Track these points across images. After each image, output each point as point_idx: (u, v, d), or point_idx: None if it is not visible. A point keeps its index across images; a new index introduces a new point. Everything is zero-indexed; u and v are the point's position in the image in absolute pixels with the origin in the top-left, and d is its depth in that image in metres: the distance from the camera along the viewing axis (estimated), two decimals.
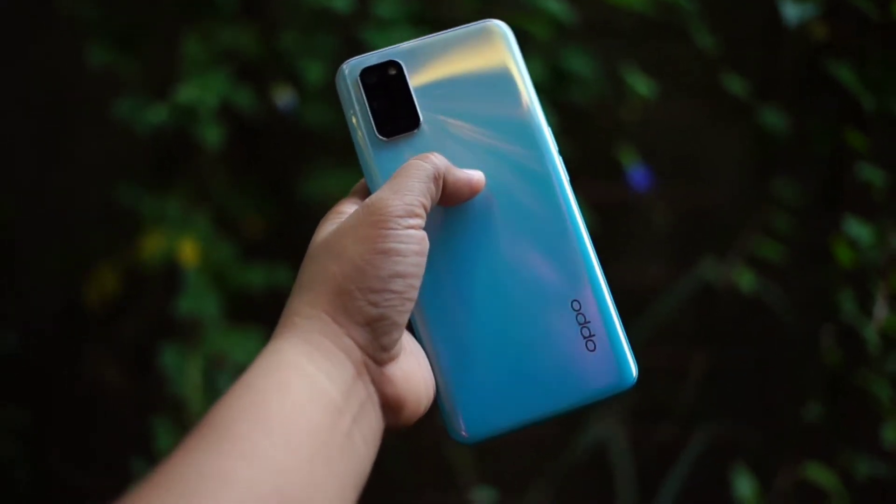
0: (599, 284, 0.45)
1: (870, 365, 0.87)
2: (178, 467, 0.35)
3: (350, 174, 0.97)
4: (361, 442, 0.40)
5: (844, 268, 0.87)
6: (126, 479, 0.94)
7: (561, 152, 0.47)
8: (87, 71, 0.98)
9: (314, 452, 0.37)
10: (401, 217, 0.41)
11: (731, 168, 1.09)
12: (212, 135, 0.92)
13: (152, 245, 0.96)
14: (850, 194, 0.99)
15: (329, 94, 0.97)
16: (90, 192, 1.15)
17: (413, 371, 0.42)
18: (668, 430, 1.08)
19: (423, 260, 0.41)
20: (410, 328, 0.44)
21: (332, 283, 0.40)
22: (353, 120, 0.46)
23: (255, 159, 1.09)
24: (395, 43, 0.47)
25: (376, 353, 0.40)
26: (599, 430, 1.05)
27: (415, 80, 0.46)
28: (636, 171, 0.99)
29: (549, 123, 0.47)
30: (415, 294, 0.41)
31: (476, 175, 0.44)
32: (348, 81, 0.46)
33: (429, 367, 0.44)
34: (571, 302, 0.45)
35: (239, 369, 0.95)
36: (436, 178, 0.43)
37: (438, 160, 0.43)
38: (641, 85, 0.93)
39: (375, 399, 0.41)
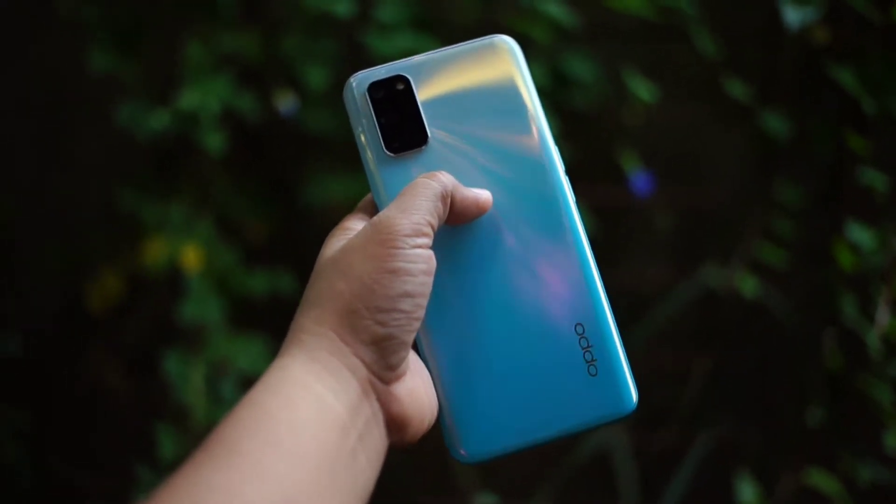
0: (603, 309, 0.45)
1: (872, 370, 0.87)
2: (186, 482, 0.35)
3: (353, 180, 0.97)
4: (365, 460, 0.40)
5: (846, 272, 0.87)
6: (127, 481, 0.94)
7: (563, 156, 0.47)
8: (87, 71, 0.99)
9: (320, 471, 0.37)
10: (409, 236, 0.41)
11: (732, 170, 1.09)
12: (214, 141, 0.92)
13: (155, 250, 0.96)
14: (852, 197, 0.99)
15: (331, 99, 0.97)
16: (90, 193, 1.15)
17: (418, 389, 0.42)
18: (671, 434, 1.08)
19: (431, 279, 0.41)
20: (415, 346, 0.44)
21: (340, 302, 0.40)
22: (361, 136, 0.46)
23: (257, 164, 1.10)
24: (396, 47, 0.47)
25: (382, 372, 0.41)
26: (602, 435, 1.05)
27: (423, 96, 0.46)
28: (638, 175, 0.99)
29: (555, 137, 0.47)
30: (422, 313, 0.41)
31: (483, 195, 0.44)
32: (356, 95, 0.46)
33: (432, 385, 0.44)
34: (575, 326, 0.45)
35: (242, 376, 0.95)
36: (444, 197, 0.43)
37: (446, 179, 0.43)
38: (643, 89, 0.93)
39: (380, 417, 0.41)
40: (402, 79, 0.46)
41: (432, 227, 0.42)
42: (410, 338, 0.41)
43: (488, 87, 0.46)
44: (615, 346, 0.45)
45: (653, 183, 1.00)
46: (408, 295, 0.40)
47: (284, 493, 0.35)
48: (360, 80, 0.46)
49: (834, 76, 0.89)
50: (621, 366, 0.45)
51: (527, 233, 0.45)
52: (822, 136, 0.97)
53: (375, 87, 0.46)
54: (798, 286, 1.03)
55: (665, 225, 1.07)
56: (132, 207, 0.98)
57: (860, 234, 0.86)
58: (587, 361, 0.45)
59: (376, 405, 0.41)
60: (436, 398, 0.44)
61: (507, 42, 0.47)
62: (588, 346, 0.45)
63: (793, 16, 0.86)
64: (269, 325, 0.93)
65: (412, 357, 0.43)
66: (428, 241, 0.41)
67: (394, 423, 0.41)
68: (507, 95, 0.46)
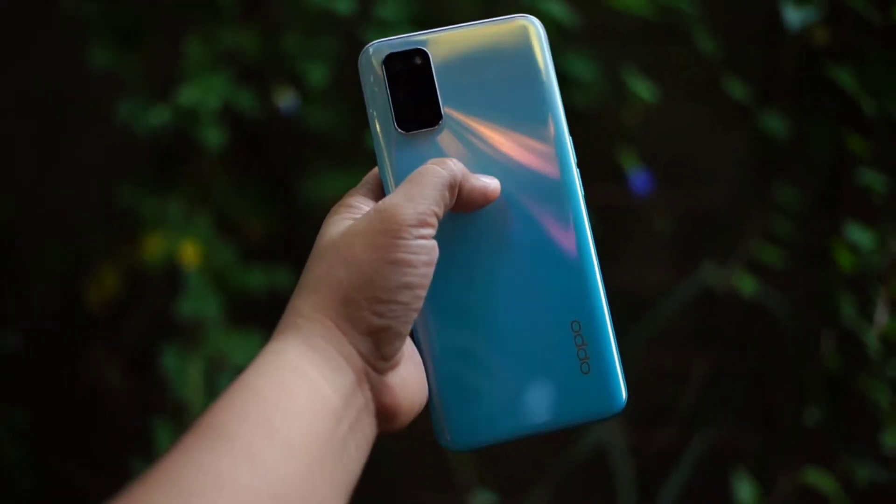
0: (602, 308, 0.44)
1: (870, 370, 0.87)
2: (174, 466, 0.34)
3: (352, 176, 0.97)
4: (355, 449, 0.39)
5: (845, 272, 0.87)
6: (127, 479, 0.93)
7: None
8: (87, 71, 0.99)
9: (311, 458, 0.37)
10: (413, 227, 0.40)
11: (731, 171, 1.09)
12: (213, 137, 0.92)
13: (153, 246, 0.96)
14: (851, 198, 0.99)
15: (331, 96, 0.97)
16: (90, 192, 1.15)
17: (410, 378, 0.42)
18: (669, 433, 1.08)
19: (432, 270, 0.41)
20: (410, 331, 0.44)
21: (338, 289, 0.40)
22: (373, 109, 0.44)
23: (256, 161, 1.10)
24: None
25: (377, 362, 0.40)
26: (600, 434, 1.05)
27: (440, 72, 0.44)
28: (637, 175, 0.99)
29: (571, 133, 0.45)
30: (420, 304, 0.41)
31: (492, 184, 0.43)
32: (372, 65, 0.44)
33: (423, 372, 0.44)
34: (572, 322, 0.44)
35: (239, 372, 0.95)
36: (451, 187, 0.42)
37: (456, 167, 0.42)
38: (642, 89, 0.93)
39: (372, 407, 0.40)
40: (420, 52, 0.44)
41: (438, 217, 0.41)
42: (407, 328, 0.41)
43: (508, 69, 0.44)
44: (610, 346, 0.44)
45: (652, 183, 1.00)
46: (408, 286, 0.40)
47: (274, 478, 0.35)
48: (377, 50, 0.44)
49: (833, 77, 0.89)
50: (614, 365, 0.44)
51: (532, 225, 0.44)
52: (822, 136, 0.97)
53: (392, 59, 0.44)
54: (797, 287, 1.03)
55: (664, 225, 1.07)
56: (131, 204, 0.98)
57: (859, 235, 0.86)
58: (580, 359, 0.44)
59: (369, 394, 0.40)
60: (426, 385, 0.43)
61: (534, 23, 0.45)
62: (583, 344, 0.44)
63: (793, 16, 0.86)
64: (267, 321, 0.93)
65: (406, 343, 0.43)
66: (432, 231, 0.41)
67: (385, 413, 0.41)
68: (526, 80, 0.44)
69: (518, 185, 0.44)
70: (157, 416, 0.93)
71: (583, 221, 0.44)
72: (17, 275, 1.21)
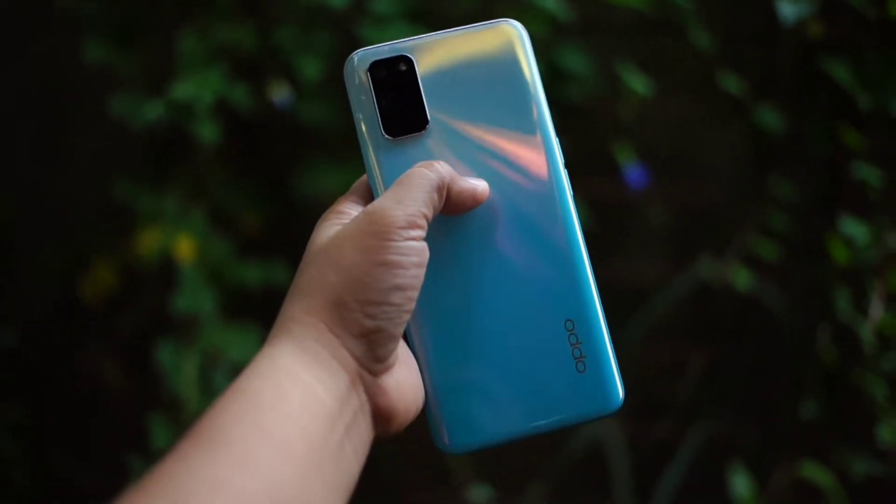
0: (595, 306, 0.44)
1: (866, 364, 0.87)
2: (171, 472, 0.34)
3: (347, 171, 0.97)
4: (352, 452, 0.39)
5: (840, 266, 0.87)
6: (124, 475, 0.94)
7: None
8: (86, 70, 0.98)
9: (307, 462, 0.37)
10: (402, 228, 0.40)
11: (727, 165, 1.09)
12: (208, 131, 0.91)
13: (148, 241, 0.96)
14: (847, 193, 0.99)
15: (326, 90, 0.97)
16: (88, 190, 1.15)
17: (405, 380, 0.42)
18: (665, 427, 1.08)
19: (423, 272, 0.41)
20: (404, 334, 0.44)
21: (330, 293, 0.40)
22: (360, 116, 0.45)
23: (251, 156, 1.09)
24: (391, 40, 0.46)
25: (371, 365, 0.40)
26: (596, 428, 1.05)
27: (425, 78, 0.45)
28: (632, 169, 0.99)
29: (557, 133, 0.46)
30: (412, 306, 0.41)
31: (480, 186, 0.43)
32: (357, 73, 0.45)
33: (419, 375, 0.44)
34: (565, 321, 0.44)
35: (235, 366, 0.95)
36: (440, 189, 0.42)
37: (444, 169, 0.42)
38: (638, 83, 0.93)
39: (367, 409, 0.41)
40: (404, 59, 0.45)
41: (427, 219, 0.41)
42: (400, 330, 0.41)
43: (492, 73, 0.45)
44: (604, 344, 0.44)
45: (648, 177, 1.00)
46: (399, 288, 0.40)
47: (271, 483, 0.35)
48: (362, 58, 0.45)
49: (829, 71, 0.89)
50: (609, 364, 0.44)
51: (522, 225, 0.44)
52: (817, 131, 0.97)
53: (377, 67, 0.45)
54: (793, 281, 1.03)
55: (660, 219, 1.07)
56: (127, 198, 0.98)
57: (854, 229, 0.87)
58: (575, 358, 0.44)
59: (364, 397, 0.40)
60: (422, 388, 0.43)
61: (516, 27, 0.46)
62: (577, 343, 0.44)
63: (788, 10, 0.86)
64: (263, 315, 0.93)
65: (401, 346, 0.43)
66: (422, 233, 0.41)
67: (380, 415, 0.41)
68: (511, 83, 0.45)
69: (507, 187, 0.44)
70: (153, 412, 0.93)
71: (572, 221, 0.45)
72: (14, 271, 1.21)
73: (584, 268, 0.44)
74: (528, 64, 0.45)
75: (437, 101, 0.45)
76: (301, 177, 0.99)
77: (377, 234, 0.40)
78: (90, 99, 1.08)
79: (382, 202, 0.41)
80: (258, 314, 0.96)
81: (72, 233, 1.17)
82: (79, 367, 1.18)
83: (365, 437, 0.41)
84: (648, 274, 1.07)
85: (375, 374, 0.40)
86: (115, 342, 1.16)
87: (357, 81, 0.45)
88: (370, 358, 0.40)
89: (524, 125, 0.45)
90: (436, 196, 0.42)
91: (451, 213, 0.44)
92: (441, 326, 0.44)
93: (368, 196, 0.45)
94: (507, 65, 0.45)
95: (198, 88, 0.89)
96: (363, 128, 0.45)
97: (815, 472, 0.91)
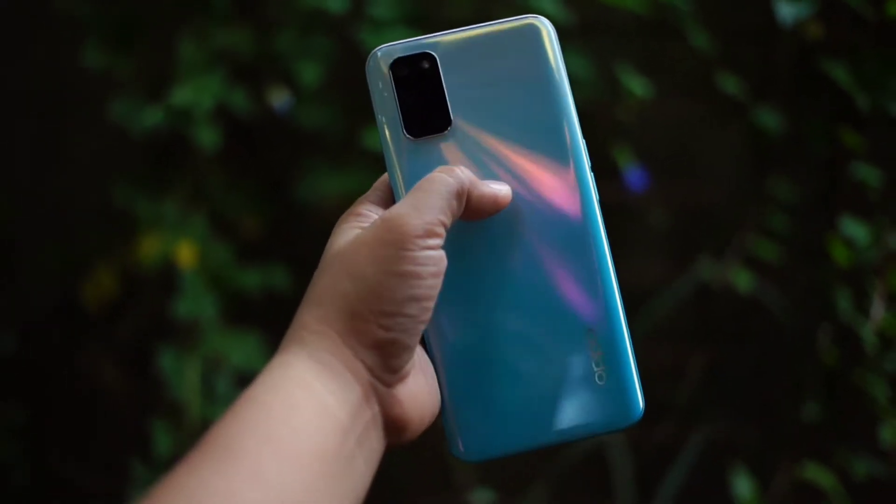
0: (618, 316, 0.43)
1: (867, 364, 0.87)
2: (182, 483, 0.34)
3: (347, 176, 0.97)
4: (363, 463, 0.39)
5: (841, 267, 0.87)
6: (125, 478, 0.94)
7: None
8: (85, 70, 0.98)
9: (318, 474, 0.36)
10: (420, 237, 0.39)
11: (727, 167, 1.09)
12: (207, 137, 0.92)
13: (149, 247, 0.96)
14: (847, 193, 0.99)
15: (325, 95, 0.97)
16: (87, 192, 1.15)
17: (420, 389, 0.41)
18: (667, 429, 1.08)
19: (440, 281, 0.40)
20: (421, 340, 0.43)
21: (344, 303, 0.39)
22: (381, 114, 0.43)
23: (251, 161, 1.09)
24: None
25: (384, 375, 0.39)
26: None
27: (449, 77, 0.43)
28: (632, 171, 0.99)
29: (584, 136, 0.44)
30: (429, 315, 0.40)
31: (503, 191, 0.42)
32: (379, 70, 0.43)
33: (436, 382, 0.43)
34: (587, 331, 0.43)
35: (237, 372, 0.95)
36: (459, 195, 0.41)
37: (464, 175, 0.41)
38: (637, 85, 0.93)
39: (380, 420, 0.40)
40: (428, 57, 0.43)
41: (445, 227, 0.40)
42: (415, 341, 0.40)
43: (519, 73, 0.43)
44: (626, 355, 0.43)
45: (647, 179, 1.00)
46: (415, 299, 0.39)
47: (282, 496, 0.35)
48: (385, 54, 0.43)
49: (827, 72, 0.89)
50: (631, 375, 0.43)
51: (545, 231, 0.43)
52: (816, 132, 0.97)
53: (399, 64, 0.43)
54: (793, 282, 1.03)
55: (660, 221, 1.07)
56: (127, 204, 0.98)
57: (855, 230, 0.86)
58: (596, 368, 0.43)
59: (377, 408, 0.40)
60: (437, 395, 0.43)
61: (545, 25, 0.44)
62: (598, 353, 0.43)
63: (786, 12, 0.86)
64: (264, 321, 0.93)
65: (418, 352, 0.42)
66: (440, 241, 0.40)
67: (393, 425, 0.40)
68: (538, 84, 0.43)
69: (530, 191, 0.43)
70: (155, 418, 0.93)
71: (598, 227, 0.44)
72: (14, 274, 1.21)
73: (609, 277, 0.43)
74: (556, 63, 0.44)
75: (460, 100, 0.43)
76: (300, 181, 0.99)
77: (394, 244, 0.39)
78: (89, 100, 1.08)
79: (400, 209, 0.40)
80: (259, 319, 0.96)
81: (71, 234, 1.17)
82: (79, 369, 1.18)
83: (377, 448, 0.40)
84: (649, 275, 1.07)
85: (389, 384, 0.40)
86: (114, 345, 1.16)
87: (379, 78, 0.43)
88: (384, 369, 0.39)
89: (551, 127, 0.43)
90: (455, 203, 0.41)
91: (471, 218, 0.42)
92: (460, 333, 0.43)
93: (389, 196, 0.44)
94: (533, 63, 0.43)
95: (197, 93, 0.89)
96: (385, 127, 0.43)
97: (816, 474, 0.91)
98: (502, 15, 0.92)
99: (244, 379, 0.93)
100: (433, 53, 0.43)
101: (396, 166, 0.43)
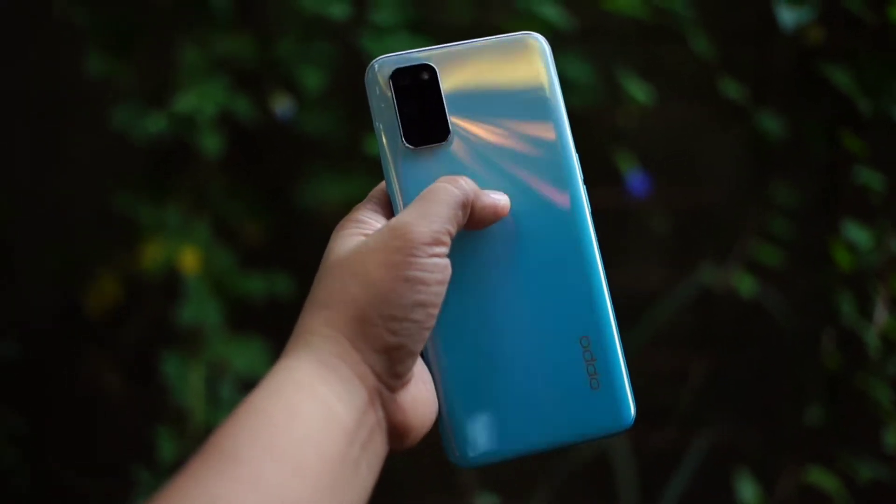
0: (610, 323, 0.44)
1: (870, 368, 0.87)
2: (183, 491, 0.34)
3: (349, 182, 0.97)
4: (366, 469, 0.39)
5: (843, 271, 0.87)
6: (127, 484, 0.94)
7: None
8: (85, 73, 0.99)
9: (322, 482, 0.36)
10: (428, 245, 0.40)
11: (728, 171, 1.09)
12: (210, 143, 0.92)
13: (152, 253, 0.96)
14: (848, 197, 0.99)
15: (327, 101, 0.97)
16: (88, 195, 1.15)
17: (421, 395, 0.42)
18: (669, 434, 1.08)
19: (445, 289, 0.40)
20: None
21: (353, 306, 0.39)
22: (380, 123, 0.44)
23: (253, 167, 1.10)
24: (392, 50, 0.46)
25: (390, 381, 0.40)
26: None
27: (447, 88, 0.44)
28: (634, 176, 0.99)
29: (578, 150, 0.45)
30: (433, 323, 0.40)
31: (502, 201, 0.43)
32: (378, 80, 0.44)
33: (433, 389, 0.43)
34: (581, 338, 0.44)
35: (240, 378, 0.95)
36: (464, 205, 0.41)
37: (468, 185, 0.42)
38: (638, 90, 0.93)
39: (384, 426, 0.40)
40: (427, 68, 0.44)
41: (451, 236, 0.41)
42: (420, 347, 0.40)
43: (515, 87, 0.45)
44: (619, 362, 0.44)
45: (649, 184, 1.00)
46: (421, 305, 0.39)
47: (282, 503, 0.35)
48: (385, 65, 0.44)
49: (828, 77, 0.89)
50: (623, 381, 0.44)
51: (539, 241, 0.44)
52: (817, 136, 0.97)
53: (399, 74, 0.44)
54: (795, 286, 1.03)
55: (662, 226, 1.07)
56: (129, 210, 0.98)
57: (857, 234, 0.87)
58: (590, 375, 0.44)
59: (381, 413, 0.40)
60: (435, 402, 0.43)
61: (539, 41, 0.45)
62: (592, 360, 0.44)
63: (787, 16, 0.86)
64: (267, 327, 0.93)
65: (417, 362, 0.42)
66: (446, 249, 0.41)
67: (396, 431, 0.41)
68: (533, 97, 0.45)
69: (525, 202, 0.44)
70: (159, 424, 0.93)
71: (590, 237, 0.45)
72: (16, 279, 1.21)
73: (602, 285, 0.45)
74: (551, 79, 0.45)
75: (458, 112, 0.44)
76: (303, 187, 1.00)
77: (403, 250, 0.39)
78: (89, 103, 1.09)
79: (408, 217, 0.41)
80: (262, 325, 0.96)
81: (72, 239, 1.17)
82: (80, 374, 1.18)
83: (380, 454, 0.40)
84: (650, 280, 1.07)
85: (393, 390, 0.40)
86: (116, 351, 1.17)
87: (378, 88, 0.44)
88: (390, 374, 0.40)
89: (545, 140, 0.45)
90: (460, 213, 0.41)
91: (472, 228, 0.43)
92: (457, 340, 0.44)
93: (386, 204, 0.45)
94: (529, 79, 0.45)
95: (200, 100, 0.90)
96: (383, 136, 0.44)
97: (820, 478, 0.91)
98: (503, 21, 0.92)
99: (248, 385, 0.93)
100: (433, 65, 0.44)
101: (394, 175, 0.44)
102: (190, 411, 0.92)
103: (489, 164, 0.44)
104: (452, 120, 0.44)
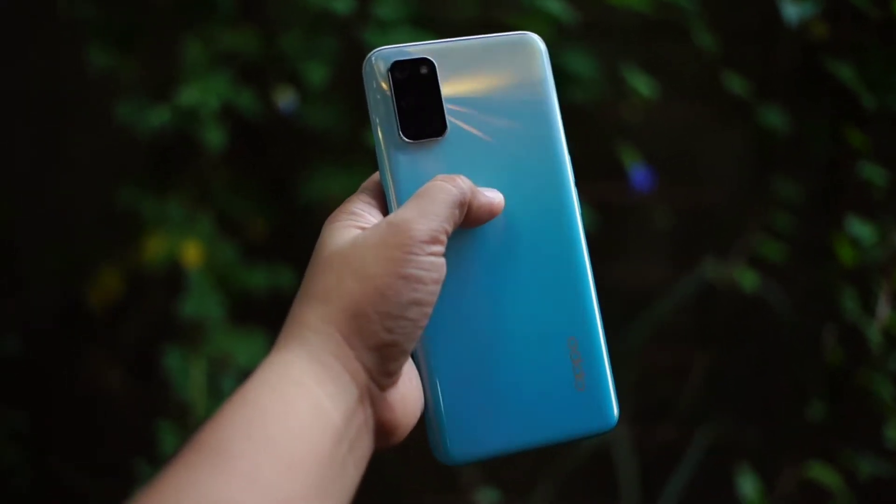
0: (597, 325, 0.45)
1: (872, 364, 0.87)
2: (175, 485, 0.34)
3: (352, 175, 0.97)
4: (353, 467, 0.39)
5: (846, 267, 0.87)
6: (129, 481, 0.94)
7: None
8: (87, 71, 0.99)
9: (312, 479, 0.36)
10: (426, 243, 0.39)
11: (731, 167, 1.09)
12: (214, 137, 0.92)
13: (155, 247, 0.96)
14: (851, 193, 0.99)
15: (331, 95, 0.97)
16: (90, 192, 1.15)
17: (409, 394, 0.42)
18: (671, 430, 1.08)
19: (440, 287, 0.40)
20: None
21: (350, 302, 0.39)
22: (376, 115, 0.44)
23: (256, 161, 1.10)
24: (396, 44, 0.46)
25: (381, 379, 0.40)
26: None
27: (445, 83, 0.44)
28: (637, 172, 0.99)
29: (570, 151, 0.46)
30: (426, 321, 0.40)
31: (497, 199, 0.43)
32: (376, 72, 0.44)
33: (419, 387, 0.43)
34: (568, 339, 0.44)
35: (242, 372, 0.95)
36: (461, 205, 0.41)
37: (465, 184, 0.42)
38: (642, 85, 0.93)
39: (371, 424, 0.40)
40: (426, 62, 0.44)
41: (447, 235, 0.41)
42: (412, 346, 0.40)
43: (511, 85, 0.45)
44: (604, 363, 0.45)
45: (652, 179, 1.00)
46: (417, 303, 0.39)
47: (275, 499, 0.34)
48: (383, 57, 0.44)
49: (832, 72, 0.89)
50: (607, 383, 0.45)
51: (530, 241, 0.44)
52: (820, 131, 0.97)
53: (398, 67, 0.44)
54: (797, 282, 1.03)
55: (664, 221, 1.07)
56: (132, 204, 0.98)
57: (860, 229, 0.87)
58: (576, 375, 0.44)
59: (369, 411, 0.40)
60: (421, 400, 0.43)
61: (537, 41, 0.46)
62: (579, 361, 0.44)
63: (791, 12, 0.86)
64: (269, 320, 0.93)
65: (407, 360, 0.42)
66: (442, 248, 0.40)
67: (383, 429, 0.40)
68: (529, 97, 0.45)
69: (517, 201, 0.44)
70: (161, 418, 0.93)
71: (580, 238, 0.45)
72: (17, 276, 1.21)
73: (589, 287, 0.45)
74: (546, 78, 0.45)
75: (455, 107, 0.44)
76: (306, 181, 1.00)
77: (400, 246, 0.39)
78: (91, 100, 1.09)
79: (406, 214, 0.40)
80: (265, 319, 0.96)
81: (74, 236, 1.17)
82: (82, 372, 1.18)
83: (366, 452, 0.40)
84: (652, 276, 1.07)
85: (383, 388, 0.40)
86: (118, 348, 1.17)
87: (376, 80, 0.44)
88: (381, 372, 0.39)
89: (538, 140, 0.45)
90: (457, 212, 0.41)
91: (467, 227, 0.43)
92: (445, 337, 0.44)
93: (379, 196, 0.44)
94: (526, 78, 0.45)
95: (203, 94, 0.90)
96: (379, 128, 0.44)
97: (822, 473, 0.91)
98: (507, 16, 0.92)
99: None
100: (431, 59, 0.44)
101: (389, 168, 0.44)
102: (192, 405, 0.92)
103: (483, 161, 0.44)
104: (450, 114, 0.44)
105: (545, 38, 0.46)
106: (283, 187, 1.07)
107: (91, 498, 1.15)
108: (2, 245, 1.19)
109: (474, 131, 0.44)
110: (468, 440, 0.44)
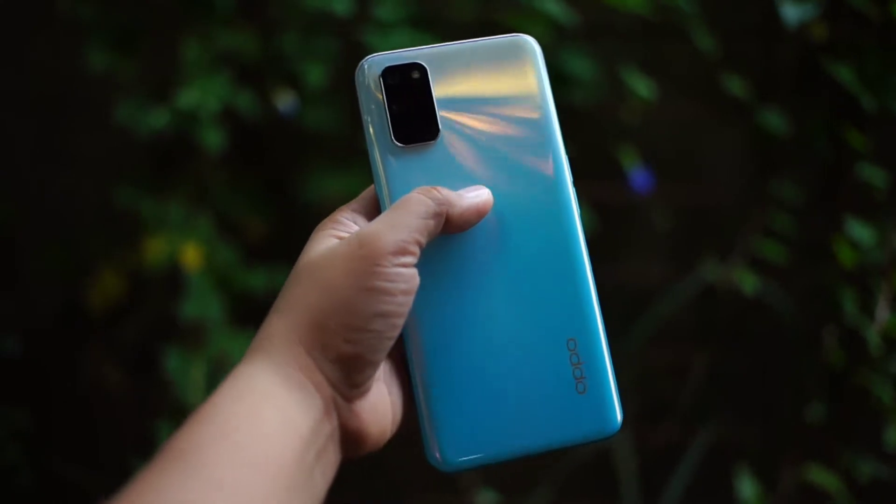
0: (597, 326, 0.44)
1: (872, 366, 0.87)
2: (145, 493, 0.34)
3: (351, 177, 0.97)
4: (320, 476, 0.39)
5: (846, 268, 0.87)
6: (127, 480, 0.94)
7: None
8: (87, 71, 0.99)
9: (279, 486, 0.36)
10: (392, 254, 0.39)
11: (730, 168, 1.09)
12: (213, 138, 0.92)
13: (155, 248, 0.96)
14: (851, 194, 0.99)
15: (330, 96, 0.97)
16: (90, 192, 1.15)
17: (381, 402, 0.41)
18: (671, 430, 1.08)
19: (411, 299, 0.40)
20: (399, 346, 0.43)
21: (311, 314, 0.39)
22: (369, 120, 0.44)
23: (256, 162, 1.10)
24: (394, 45, 0.46)
25: (346, 390, 0.39)
26: None
27: (438, 87, 0.44)
28: (637, 172, 0.99)
29: (567, 151, 0.45)
30: (396, 333, 0.40)
31: (482, 199, 0.43)
32: (369, 78, 0.44)
33: (397, 393, 0.43)
34: (567, 341, 0.44)
35: None
36: (437, 215, 0.41)
37: (442, 195, 0.41)
38: (641, 86, 0.93)
39: (338, 435, 0.40)
40: (418, 67, 0.44)
41: (419, 245, 0.40)
42: (380, 357, 0.40)
43: (506, 88, 0.45)
44: (605, 366, 0.44)
45: (652, 180, 1.00)
46: (383, 315, 0.39)
47: None
48: (375, 63, 0.44)
49: (832, 73, 0.89)
50: (609, 385, 0.44)
51: (528, 242, 0.44)
52: (819, 132, 0.97)
53: (390, 73, 0.44)
54: (797, 283, 1.03)
55: (664, 222, 1.07)
56: (131, 206, 0.99)
57: (860, 231, 0.86)
58: (576, 378, 0.43)
59: (336, 422, 0.40)
60: (400, 408, 0.43)
61: (531, 43, 0.45)
62: (579, 363, 0.43)
63: (791, 13, 0.86)
64: None
65: (382, 365, 0.42)
66: (413, 259, 0.40)
67: (352, 439, 0.40)
68: (523, 99, 0.45)
69: (513, 203, 0.44)
70: (160, 419, 0.93)
71: (578, 238, 0.44)
72: (18, 277, 1.21)
73: (588, 287, 0.44)
74: (541, 80, 0.45)
75: (448, 111, 0.44)
76: (305, 182, 1.00)
77: (366, 259, 0.39)
78: (91, 100, 1.09)
79: (376, 226, 0.40)
80: (263, 320, 0.96)
81: (73, 236, 1.17)
82: (82, 371, 1.18)
83: (333, 462, 0.40)
84: (652, 277, 1.07)
85: (350, 399, 0.40)
86: (118, 347, 1.17)
87: (368, 86, 0.44)
88: (346, 383, 0.39)
89: (534, 142, 0.44)
90: (432, 223, 0.41)
91: (457, 231, 0.43)
92: (439, 341, 0.43)
93: (373, 205, 0.44)
94: (520, 81, 0.45)
95: (203, 96, 0.90)
96: (372, 134, 0.44)
97: (821, 475, 0.91)
98: (506, 17, 0.92)
99: None
100: (423, 64, 0.44)
101: (382, 173, 0.44)
102: (191, 406, 0.92)
103: (478, 164, 0.44)
104: (443, 119, 0.44)
105: (544, 40, 0.46)
106: (282, 188, 1.07)
107: (92, 495, 1.15)
108: (2, 244, 1.20)
109: (468, 135, 0.44)
110: (463, 446, 0.43)
